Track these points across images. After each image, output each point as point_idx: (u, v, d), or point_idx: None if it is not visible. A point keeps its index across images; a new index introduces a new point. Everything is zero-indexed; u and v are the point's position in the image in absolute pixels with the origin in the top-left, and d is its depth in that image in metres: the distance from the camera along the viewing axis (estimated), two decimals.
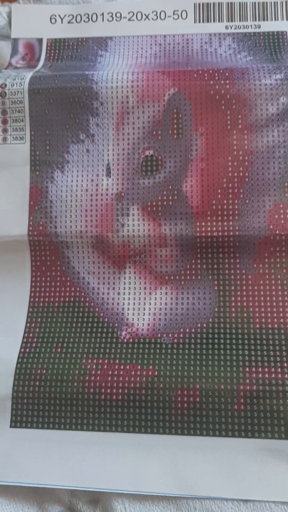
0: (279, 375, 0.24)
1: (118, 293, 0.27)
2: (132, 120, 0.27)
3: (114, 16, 0.31)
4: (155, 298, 0.27)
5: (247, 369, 0.24)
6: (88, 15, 0.31)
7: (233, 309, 0.26)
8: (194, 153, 0.27)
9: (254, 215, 0.26)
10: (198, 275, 0.26)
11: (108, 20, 0.31)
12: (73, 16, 0.31)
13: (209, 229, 0.26)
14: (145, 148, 0.27)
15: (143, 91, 0.27)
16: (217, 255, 0.26)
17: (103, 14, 0.31)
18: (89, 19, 0.31)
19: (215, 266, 0.26)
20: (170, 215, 0.27)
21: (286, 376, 0.24)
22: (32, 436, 0.25)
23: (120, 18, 0.31)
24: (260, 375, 0.24)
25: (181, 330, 0.26)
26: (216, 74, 0.27)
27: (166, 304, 0.26)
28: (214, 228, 0.26)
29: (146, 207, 0.27)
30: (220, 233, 0.26)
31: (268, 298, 0.26)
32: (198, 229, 0.26)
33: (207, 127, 0.27)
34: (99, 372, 0.25)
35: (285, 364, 0.24)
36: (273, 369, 0.24)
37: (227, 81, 0.27)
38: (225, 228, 0.26)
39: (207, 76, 0.27)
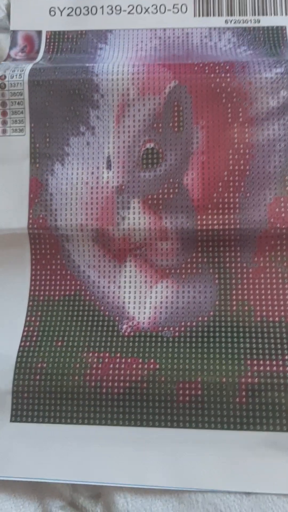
0: (281, 368, 0.24)
1: (119, 287, 0.27)
2: (133, 113, 0.27)
3: (114, 9, 0.31)
4: (156, 291, 0.26)
5: (249, 362, 0.24)
6: (88, 8, 0.31)
7: (234, 303, 0.26)
8: (195, 146, 0.27)
9: (255, 208, 0.26)
10: (199, 268, 0.26)
11: (107, 13, 0.31)
12: (72, 8, 0.31)
13: (210, 222, 0.26)
14: (145, 141, 0.27)
15: (143, 84, 0.27)
16: (218, 249, 0.26)
17: (102, 7, 0.31)
18: (88, 12, 0.31)
19: (216, 259, 0.26)
20: (171, 208, 0.27)
21: (287, 368, 0.24)
22: (33, 431, 0.24)
23: (120, 11, 0.31)
24: (262, 368, 0.24)
25: (182, 323, 0.26)
26: (217, 68, 0.27)
27: (167, 297, 0.26)
28: (215, 222, 0.26)
29: (146, 200, 0.27)
30: (221, 227, 0.26)
31: (269, 292, 0.26)
32: (199, 222, 0.26)
33: (208, 120, 0.27)
34: (100, 365, 0.25)
35: (287, 357, 0.24)
36: (274, 362, 0.24)
37: (228, 75, 0.27)
38: (226, 222, 0.26)
39: (207, 69, 0.27)
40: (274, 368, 0.24)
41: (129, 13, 0.31)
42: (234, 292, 0.26)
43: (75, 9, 0.31)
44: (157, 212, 0.27)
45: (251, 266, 0.26)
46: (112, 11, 0.31)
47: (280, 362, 0.24)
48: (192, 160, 0.27)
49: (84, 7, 0.31)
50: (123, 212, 0.27)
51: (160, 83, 0.27)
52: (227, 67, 0.27)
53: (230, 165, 0.27)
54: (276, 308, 0.25)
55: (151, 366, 0.24)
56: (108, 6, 0.31)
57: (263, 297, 0.26)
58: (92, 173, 0.27)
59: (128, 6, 0.31)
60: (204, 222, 0.26)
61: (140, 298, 0.26)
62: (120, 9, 0.31)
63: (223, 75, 0.27)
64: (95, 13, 0.31)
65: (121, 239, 0.27)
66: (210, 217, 0.26)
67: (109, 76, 0.27)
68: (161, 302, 0.26)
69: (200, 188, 0.27)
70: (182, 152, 0.27)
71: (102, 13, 0.31)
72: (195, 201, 0.26)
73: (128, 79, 0.27)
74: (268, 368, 0.24)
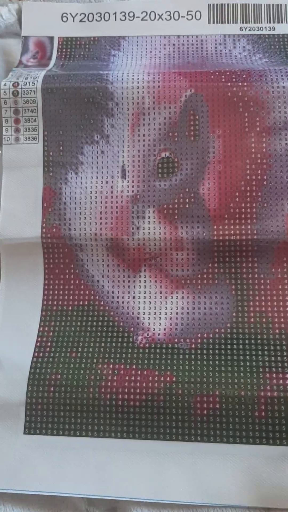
0: None
1: (133, 297, 0.26)
2: (148, 121, 0.27)
3: (127, 15, 0.31)
4: (171, 302, 0.26)
5: (268, 375, 0.24)
6: (101, 14, 0.31)
7: (252, 314, 0.25)
8: (211, 155, 0.27)
9: (272, 218, 0.26)
10: (215, 279, 0.26)
11: (121, 19, 0.31)
12: (85, 14, 0.31)
13: (226, 232, 0.26)
14: (161, 150, 0.27)
15: (159, 92, 0.27)
16: (234, 259, 0.26)
17: (115, 13, 0.31)
18: (101, 18, 0.31)
19: (233, 270, 0.26)
20: (187, 218, 0.26)
21: None
22: (47, 443, 0.24)
23: (133, 18, 0.31)
24: (281, 381, 0.24)
25: (199, 335, 0.25)
26: (234, 76, 0.27)
27: (182, 308, 0.26)
28: (232, 232, 0.26)
29: (162, 210, 0.26)
30: (238, 237, 0.26)
31: (287, 303, 0.25)
32: (215, 232, 0.26)
33: (225, 129, 0.27)
34: (115, 377, 0.24)
35: None
36: None
37: (245, 83, 0.27)
38: (243, 232, 0.26)
39: (224, 78, 0.27)
40: None
41: (142, 19, 0.31)
42: (251, 303, 0.26)
43: (88, 15, 0.31)
44: (173, 221, 0.26)
45: (269, 277, 0.26)
46: (125, 18, 0.31)
47: None
48: (208, 170, 0.26)
49: (96, 13, 0.31)
50: (138, 222, 0.26)
51: (176, 92, 0.27)
52: (244, 76, 0.27)
53: (247, 174, 0.26)
54: None
55: (168, 378, 0.24)
56: (121, 13, 0.31)
57: (281, 308, 0.25)
58: (107, 182, 0.27)
59: (142, 13, 0.31)
60: (221, 232, 0.26)
61: (155, 308, 0.26)
62: (134, 15, 0.31)
63: (240, 83, 0.27)
64: (108, 19, 0.31)
65: (135, 249, 0.26)
66: (226, 227, 0.26)
67: (124, 84, 0.27)
68: (176, 313, 0.26)
69: (216, 198, 0.26)
70: (198, 161, 0.27)
71: (115, 19, 0.31)
72: (211, 210, 0.26)
73: (144, 87, 0.27)
74: (287, 381, 0.23)
